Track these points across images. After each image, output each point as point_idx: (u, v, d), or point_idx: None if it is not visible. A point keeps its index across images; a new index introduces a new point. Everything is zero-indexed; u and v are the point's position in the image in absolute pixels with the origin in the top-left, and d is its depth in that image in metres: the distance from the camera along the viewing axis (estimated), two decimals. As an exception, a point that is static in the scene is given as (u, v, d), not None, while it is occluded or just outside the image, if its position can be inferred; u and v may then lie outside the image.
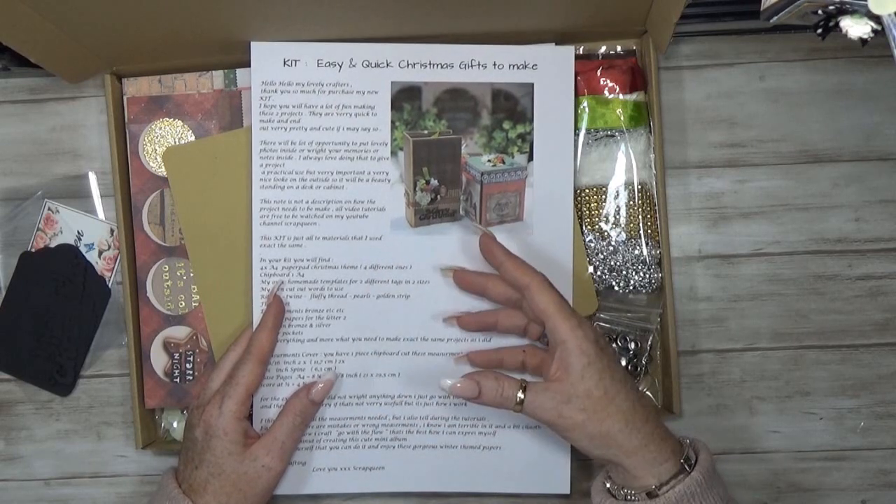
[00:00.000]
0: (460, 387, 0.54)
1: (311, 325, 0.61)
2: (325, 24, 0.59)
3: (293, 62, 0.60)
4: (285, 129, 0.60)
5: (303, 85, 0.60)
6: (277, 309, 0.59)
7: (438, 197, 0.61)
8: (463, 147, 0.62)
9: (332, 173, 0.61)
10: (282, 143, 0.60)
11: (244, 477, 0.55)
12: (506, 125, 0.61)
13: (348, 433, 0.61)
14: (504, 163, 0.61)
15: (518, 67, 0.61)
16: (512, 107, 0.61)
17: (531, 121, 0.61)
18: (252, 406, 0.60)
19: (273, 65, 0.60)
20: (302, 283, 0.61)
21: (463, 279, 0.60)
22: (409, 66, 0.61)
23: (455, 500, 0.65)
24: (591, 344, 0.53)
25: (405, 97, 0.61)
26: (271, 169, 0.60)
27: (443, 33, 0.60)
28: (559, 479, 0.62)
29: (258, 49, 0.60)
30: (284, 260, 0.60)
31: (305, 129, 0.60)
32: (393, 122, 0.61)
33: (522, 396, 0.53)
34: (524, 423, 0.62)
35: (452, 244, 0.61)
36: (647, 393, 0.65)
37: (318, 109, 0.61)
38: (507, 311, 0.59)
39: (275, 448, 0.56)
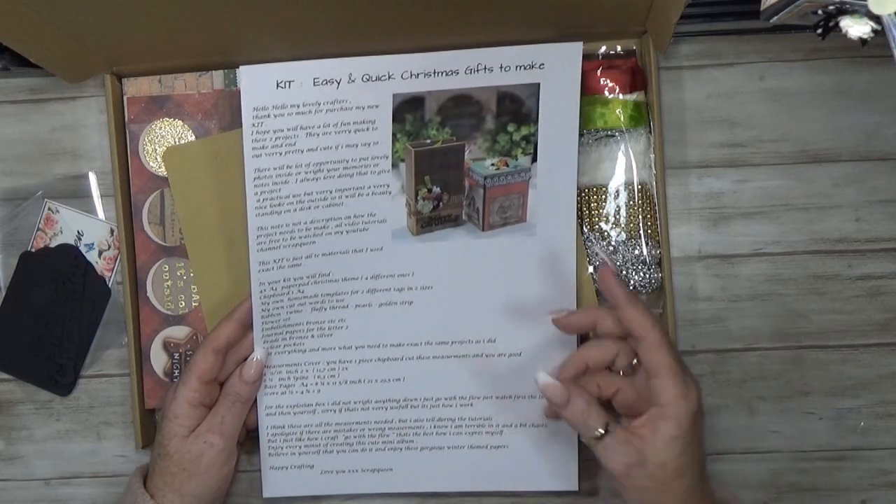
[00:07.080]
0: (552, 388, 0.53)
1: (312, 336, 0.60)
2: (321, 42, 0.58)
3: (287, 83, 0.57)
4: (280, 154, 0.58)
5: (298, 106, 0.57)
6: (245, 306, 0.59)
7: (441, 204, 0.60)
8: (466, 153, 0.60)
9: (331, 192, 0.58)
10: (277, 169, 0.58)
11: (187, 455, 0.56)
12: (510, 128, 0.60)
13: (355, 437, 0.61)
14: (508, 165, 0.60)
15: (525, 68, 0.58)
16: (517, 109, 0.59)
17: (536, 121, 0.59)
18: (257, 412, 0.61)
19: (265, 89, 0.57)
20: (302, 298, 0.60)
21: (569, 324, 0.59)
22: (413, 76, 0.58)
23: (455, 500, 0.64)
24: (689, 418, 0.51)
25: (407, 108, 0.58)
26: (267, 195, 0.58)
27: (438, 44, 0.59)
28: (567, 475, 0.62)
29: (248, 73, 0.57)
30: (283, 280, 0.59)
31: (302, 152, 0.58)
32: (394, 135, 0.59)
33: (602, 433, 0.52)
34: (531, 422, 0.61)
35: (455, 248, 0.61)
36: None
37: (315, 130, 0.58)
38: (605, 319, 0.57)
39: (215, 424, 0.57)
